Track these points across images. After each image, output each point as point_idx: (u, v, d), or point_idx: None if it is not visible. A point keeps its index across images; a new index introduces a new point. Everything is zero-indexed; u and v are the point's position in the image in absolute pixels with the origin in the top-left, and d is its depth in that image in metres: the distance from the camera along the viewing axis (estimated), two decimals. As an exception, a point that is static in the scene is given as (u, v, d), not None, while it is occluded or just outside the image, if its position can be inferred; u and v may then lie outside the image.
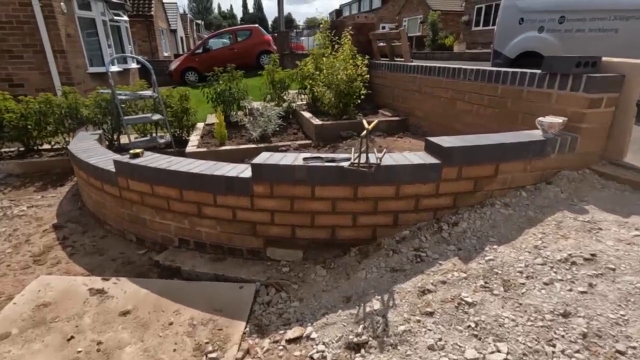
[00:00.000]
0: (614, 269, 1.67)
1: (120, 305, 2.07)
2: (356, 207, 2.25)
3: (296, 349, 1.76)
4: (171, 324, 1.93)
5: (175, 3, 28.81)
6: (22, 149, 4.94)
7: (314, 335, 1.79)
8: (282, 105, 5.19)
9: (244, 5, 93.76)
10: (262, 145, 4.30)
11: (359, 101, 4.73)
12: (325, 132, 4.37)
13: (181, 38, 29.51)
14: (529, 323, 1.50)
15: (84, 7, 8.06)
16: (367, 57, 4.76)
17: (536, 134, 2.42)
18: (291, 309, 2.04)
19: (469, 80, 3.44)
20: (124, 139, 4.91)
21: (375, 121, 2.43)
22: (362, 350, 1.60)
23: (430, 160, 2.22)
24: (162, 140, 4.81)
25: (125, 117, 4.57)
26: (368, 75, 4.62)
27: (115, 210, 2.89)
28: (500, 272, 1.81)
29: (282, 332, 1.88)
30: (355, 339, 1.65)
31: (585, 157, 2.45)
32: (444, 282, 1.84)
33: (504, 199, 2.36)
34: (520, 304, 1.60)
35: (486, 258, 1.93)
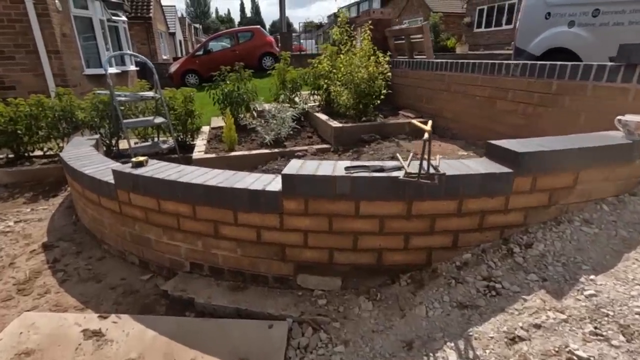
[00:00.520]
0: None
1: (122, 353, 1.66)
2: (409, 226, 1.85)
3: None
4: (187, 380, 1.52)
5: (174, 6, 28.51)
6: (11, 155, 4.53)
7: (374, 399, 1.39)
8: (295, 107, 4.80)
9: (242, 9, 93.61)
10: (276, 150, 3.91)
11: (378, 102, 4.35)
12: (344, 135, 3.98)
13: (180, 41, 29.18)
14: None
15: (80, 5, 7.67)
16: (388, 53, 4.39)
17: (616, 136, 2.03)
18: (336, 357, 1.63)
19: (513, 76, 3.07)
20: (123, 144, 4.51)
21: (430, 122, 2.04)
22: None
23: (500, 168, 1.82)
24: (165, 146, 4.40)
25: (125, 121, 4.17)
26: (390, 73, 4.24)
27: (115, 228, 2.48)
28: (611, 313, 1.42)
29: (330, 391, 1.47)
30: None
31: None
32: (538, 326, 1.44)
33: (582, 214, 1.96)
34: (660, 364, 1.20)
35: (585, 293, 1.53)
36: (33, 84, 6.41)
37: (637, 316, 1.38)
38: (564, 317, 1.45)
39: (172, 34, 26.28)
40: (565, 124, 2.65)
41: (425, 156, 1.68)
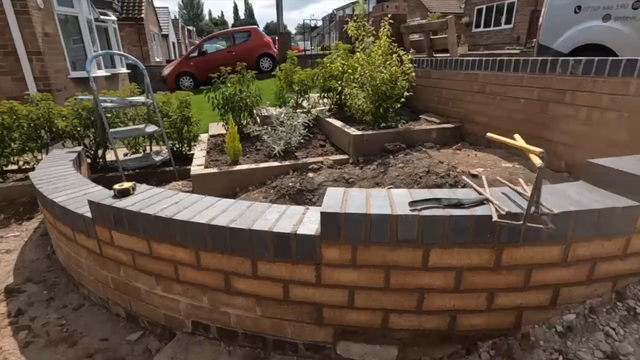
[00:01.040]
0: None
1: None
2: (496, 280, 1.35)
3: None
4: None
5: (167, 7, 27.89)
6: (-19, 171, 3.96)
7: None
8: (301, 112, 4.28)
9: (235, 12, 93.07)
10: (286, 162, 3.40)
11: (398, 105, 3.85)
12: (365, 144, 3.48)
13: (173, 44, 28.56)
14: None
15: (64, 3, 7.10)
16: (412, 51, 3.91)
17: None
18: None
19: (573, 75, 2.59)
20: (111, 155, 3.97)
21: (538, 151, 1.54)
22: None
23: (621, 201, 1.33)
24: (158, 158, 3.87)
25: (112, 130, 3.63)
26: (414, 73, 3.76)
27: (95, 272, 1.95)
28: None
29: None
30: None
31: None
32: None
33: None
34: None
35: None
36: (11, 89, 5.81)
37: None
38: None
39: (165, 36, 25.66)
40: (647, 132, 2.17)
41: (525, 192, 1.18)
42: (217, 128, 5.05)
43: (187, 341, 1.68)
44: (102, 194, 1.79)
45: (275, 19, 16.63)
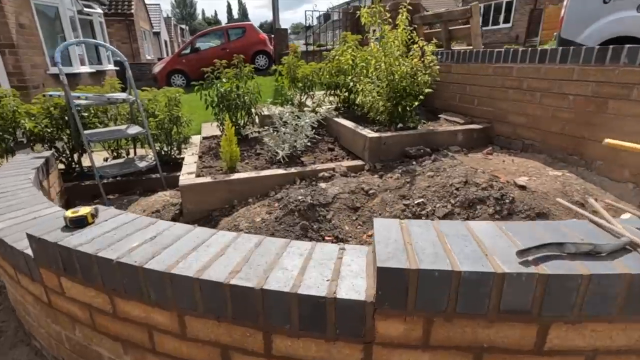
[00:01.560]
0: None
1: None
2: (645, 368, 0.88)
3: None
4: None
5: (159, 4, 27.13)
6: None
7: None
8: (308, 111, 3.80)
9: (229, 11, 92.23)
10: (292, 169, 2.91)
11: (416, 103, 3.38)
12: (383, 148, 3.01)
13: (165, 42, 27.86)
14: None
15: (43, -7, 6.53)
16: (433, 41, 3.45)
17: None
18: None
19: (643, 66, 2.14)
20: (89, 161, 3.44)
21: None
22: None
23: None
24: (143, 164, 3.35)
25: (88, 132, 3.11)
26: (438, 66, 3.29)
27: (46, 326, 1.44)
28: None
29: None
30: None
31: None
32: None
33: None
34: None
35: None
36: (-19, 85, 5.25)
37: None
38: None
39: (157, 34, 24.98)
40: None
41: None
42: (210, 129, 4.54)
43: None
44: (51, 223, 1.28)
45: (269, 19, 16.14)
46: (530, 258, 0.83)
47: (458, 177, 2.40)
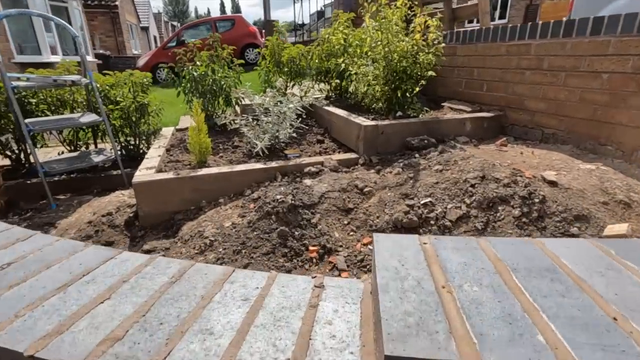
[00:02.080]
0: None
1: None
2: None
3: None
4: None
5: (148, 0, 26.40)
6: None
7: None
8: (290, 96, 3.33)
9: (222, 9, 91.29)
10: (273, 164, 2.45)
11: (417, 88, 2.94)
12: (381, 139, 2.57)
13: (154, 37, 27.18)
14: None
15: (8, -26, 5.98)
16: (437, 15, 3.01)
17: None
18: None
19: None
20: (43, 156, 2.95)
21: None
22: None
23: None
24: (99, 158, 2.87)
25: (30, 120, 2.62)
26: (443, 44, 2.85)
27: None
28: None
29: None
30: None
31: None
32: None
33: None
34: None
35: None
36: None
37: None
38: None
39: (145, 29, 24.30)
40: None
41: None
42: (189, 121, 4.06)
43: None
44: None
45: (262, 17, 15.60)
46: None
47: (473, 171, 1.96)
